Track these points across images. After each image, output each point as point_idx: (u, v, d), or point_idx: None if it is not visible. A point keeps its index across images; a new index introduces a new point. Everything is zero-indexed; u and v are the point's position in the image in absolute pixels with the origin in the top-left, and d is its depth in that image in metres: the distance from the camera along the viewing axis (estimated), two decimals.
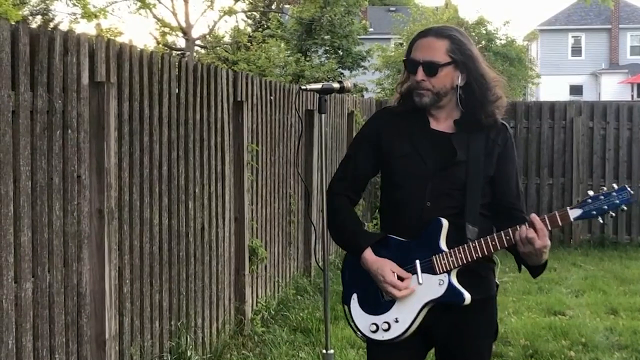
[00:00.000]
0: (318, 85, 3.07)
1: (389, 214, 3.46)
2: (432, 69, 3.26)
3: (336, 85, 3.12)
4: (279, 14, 31.86)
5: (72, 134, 4.28)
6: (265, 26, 30.92)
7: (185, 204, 5.77)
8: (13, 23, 3.89)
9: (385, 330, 3.27)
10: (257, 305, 7.28)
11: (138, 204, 5.08)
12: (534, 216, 3.13)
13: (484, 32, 31.64)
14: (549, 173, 12.15)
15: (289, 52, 26.10)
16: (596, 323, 7.55)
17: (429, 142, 3.34)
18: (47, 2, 34.26)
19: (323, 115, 3.00)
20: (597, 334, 7.11)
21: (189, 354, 5.51)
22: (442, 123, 3.37)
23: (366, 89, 28.90)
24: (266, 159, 7.72)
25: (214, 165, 6.33)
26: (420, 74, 3.27)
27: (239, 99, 6.86)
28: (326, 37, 26.26)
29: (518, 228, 3.14)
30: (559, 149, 12.15)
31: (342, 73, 26.50)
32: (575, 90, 48.27)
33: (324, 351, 3.21)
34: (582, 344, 6.87)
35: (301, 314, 7.47)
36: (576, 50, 50.83)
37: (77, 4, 23.54)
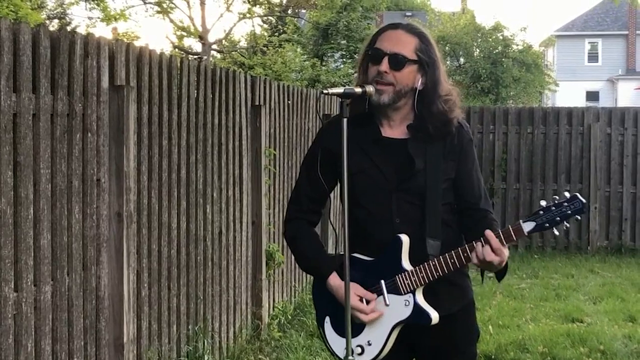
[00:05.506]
0: (340, 90, 3.02)
1: (355, 231, 3.19)
2: (398, 62, 3.11)
3: (358, 89, 3.07)
4: (296, 19, 31.87)
5: (91, 137, 4.28)
6: (282, 31, 30.94)
7: (204, 208, 5.77)
8: (33, 26, 3.89)
9: (360, 354, 3.17)
10: (273, 310, 7.27)
11: (157, 208, 5.08)
12: (488, 233, 3.00)
13: (501, 37, 31.53)
14: (567, 179, 12.08)
15: (305, 56, 26.11)
16: (614, 330, 7.50)
17: (385, 152, 3.20)
18: (64, 6, 34.40)
19: (345, 120, 2.97)
20: (615, 342, 7.06)
21: (206, 358, 5.51)
22: (396, 129, 3.22)
23: None
24: (283, 163, 7.72)
25: (232, 169, 6.32)
26: (385, 65, 3.11)
27: (257, 103, 6.86)
28: (342, 41, 26.22)
29: (475, 245, 3.01)
30: (577, 155, 12.08)
31: None
32: (592, 96, 48.06)
33: (348, 357, 3.16)
34: (600, 351, 6.82)
35: None
36: (593, 56, 50.60)
37: (96, 7, 23.63)
